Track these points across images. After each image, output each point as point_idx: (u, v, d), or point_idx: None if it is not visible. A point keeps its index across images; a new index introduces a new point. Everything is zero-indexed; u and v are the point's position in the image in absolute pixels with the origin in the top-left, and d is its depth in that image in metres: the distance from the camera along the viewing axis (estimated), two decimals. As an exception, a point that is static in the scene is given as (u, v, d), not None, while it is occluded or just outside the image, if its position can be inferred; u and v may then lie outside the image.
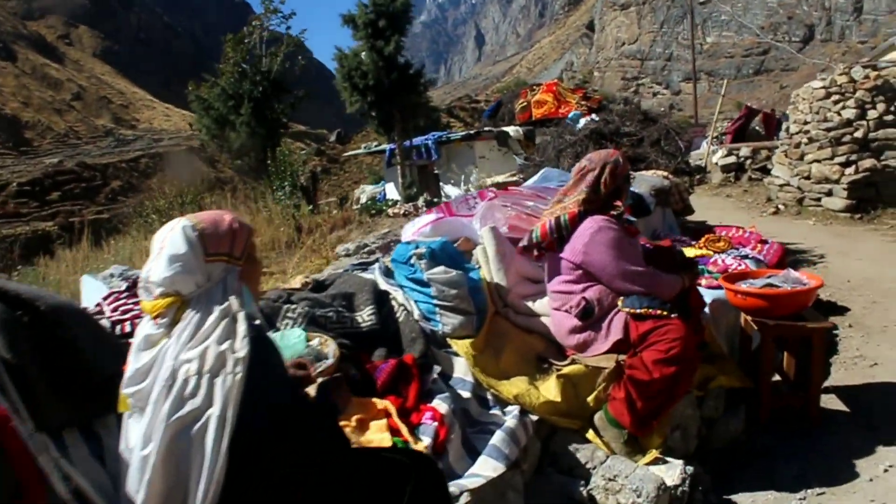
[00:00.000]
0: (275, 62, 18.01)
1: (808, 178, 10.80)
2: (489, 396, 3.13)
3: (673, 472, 2.89)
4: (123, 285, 3.35)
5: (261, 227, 11.62)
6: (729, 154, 15.33)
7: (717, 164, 15.47)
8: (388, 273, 3.65)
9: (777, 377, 4.18)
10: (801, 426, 3.75)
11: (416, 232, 4.19)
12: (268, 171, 16.70)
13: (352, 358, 3.02)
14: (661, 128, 8.08)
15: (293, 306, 3.15)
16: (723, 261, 4.84)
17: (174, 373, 1.69)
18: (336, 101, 18.74)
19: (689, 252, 5.06)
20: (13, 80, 63.76)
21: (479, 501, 2.48)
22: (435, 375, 3.03)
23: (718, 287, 4.12)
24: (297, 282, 3.65)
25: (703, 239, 5.41)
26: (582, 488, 2.90)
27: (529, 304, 3.60)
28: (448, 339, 3.26)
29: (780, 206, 11.28)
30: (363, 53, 16.09)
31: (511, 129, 18.19)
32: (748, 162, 14.78)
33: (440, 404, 2.81)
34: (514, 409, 3.02)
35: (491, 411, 3.08)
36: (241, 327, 1.76)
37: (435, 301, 3.27)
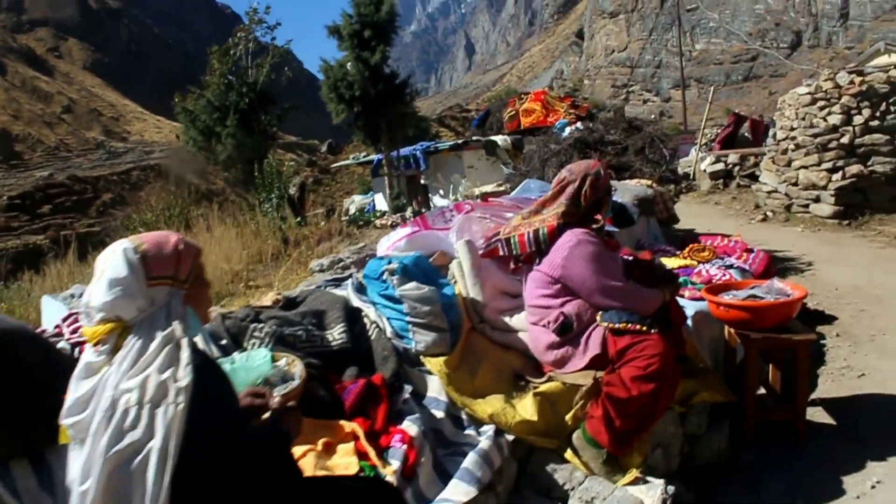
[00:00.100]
0: (261, 73, 17.94)
1: (795, 184, 10.78)
2: (464, 416, 3.04)
3: (653, 493, 2.80)
4: (84, 306, 3.24)
5: (248, 240, 11.52)
6: (717, 161, 15.32)
7: (705, 171, 15.46)
8: (360, 289, 3.56)
9: (763, 390, 4.09)
10: (787, 440, 3.66)
11: (391, 246, 4.10)
12: (255, 183, 16.59)
13: (321, 378, 2.93)
14: (646, 136, 8.03)
15: (261, 325, 3.05)
16: (707, 271, 4.76)
17: (114, 403, 1.60)
18: (328, 111, 18.71)
19: (673, 262, 4.99)
20: (3, 93, 63.71)
21: (449, 528, 2.39)
22: (406, 395, 2.93)
23: (702, 299, 4.04)
24: (268, 299, 3.55)
25: (687, 249, 5.33)
26: (559, 510, 2.81)
27: (507, 319, 3.51)
28: (421, 357, 3.17)
29: (769, 213, 11.24)
30: (349, 64, 16.06)
31: (499, 139, 18.15)
32: (736, 169, 14.77)
33: (410, 426, 2.71)
34: (489, 429, 2.93)
35: (465, 431, 2.99)
36: (185, 354, 1.67)
37: (408, 318, 3.18)
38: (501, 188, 9.17)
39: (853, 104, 10.07)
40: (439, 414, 2.98)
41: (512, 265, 3.49)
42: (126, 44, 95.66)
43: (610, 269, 3.17)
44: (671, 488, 2.84)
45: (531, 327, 3.33)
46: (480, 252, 3.56)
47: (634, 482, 2.88)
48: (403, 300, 3.18)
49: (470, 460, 2.66)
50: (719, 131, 19.04)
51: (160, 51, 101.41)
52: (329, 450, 2.57)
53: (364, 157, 23.51)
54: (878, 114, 9.99)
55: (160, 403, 1.59)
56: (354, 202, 21.75)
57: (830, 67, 11.69)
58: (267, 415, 1.98)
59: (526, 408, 3.03)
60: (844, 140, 10.06)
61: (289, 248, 11.58)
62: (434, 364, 3.11)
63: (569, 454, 3.04)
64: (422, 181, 19.36)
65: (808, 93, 10.64)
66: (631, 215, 5.32)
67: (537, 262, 3.30)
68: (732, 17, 64.42)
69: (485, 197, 6.19)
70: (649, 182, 6.56)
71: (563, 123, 14.79)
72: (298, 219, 14.23)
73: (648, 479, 2.92)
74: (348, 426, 2.67)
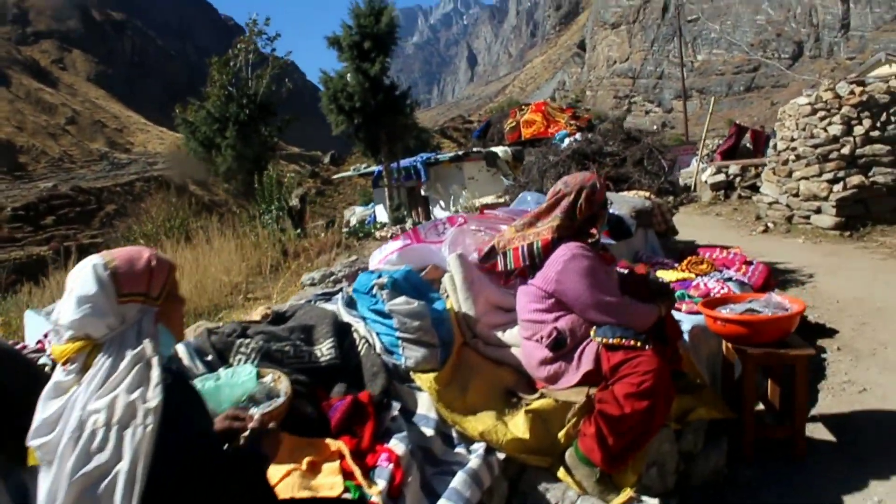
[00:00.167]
0: (261, 84, 17.94)
1: (796, 195, 10.72)
2: (454, 433, 2.98)
3: (648, 513, 2.74)
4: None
5: (247, 252, 11.49)
6: (718, 172, 15.28)
7: (706, 182, 15.41)
8: (350, 303, 3.50)
9: (761, 406, 4.02)
10: (786, 457, 3.59)
11: (383, 260, 4.04)
12: (255, 195, 16.57)
13: (308, 395, 2.87)
14: (644, 147, 7.97)
15: (247, 340, 3.00)
16: (705, 284, 4.69)
17: (82, 424, 1.56)
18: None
19: (671, 275, 4.93)
20: (7, 105, 63.99)
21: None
22: (395, 413, 2.87)
23: (699, 312, 3.97)
24: (257, 313, 3.49)
25: (685, 261, 5.26)
26: (551, 531, 2.74)
27: (499, 334, 3.45)
28: (411, 373, 3.11)
29: (770, 225, 11.18)
30: (348, 75, 16.06)
31: (500, 150, 18.13)
32: (737, 180, 14.72)
33: (397, 445, 2.65)
34: (479, 447, 2.87)
35: (455, 449, 2.92)
36: (155, 374, 1.62)
37: (397, 333, 3.12)
38: (501, 200, 9.13)
39: (854, 114, 10.02)
40: (429, 431, 2.92)
41: (504, 278, 3.44)
42: (130, 55, 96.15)
43: (605, 285, 3.12)
44: (666, 508, 2.77)
45: (524, 342, 3.27)
46: (480, 264, 3.50)
47: (629, 502, 2.82)
48: (393, 315, 3.12)
49: (458, 480, 2.60)
50: (721, 143, 19.00)
51: (163, 62, 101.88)
52: (314, 469, 2.51)
53: (365, 168, 23.51)
54: (878, 124, 9.95)
55: (128, 425, 1.55)
56: (355, 213, 21.73)
57: (832, 78, 11.64)
58: (243, 437, 1.93)
59: (518, 425, 2.97)
60: (845, 151, 10.00)
61: (288, 259, 11.55)
62: (424, 380, 3.05)
63: (561, 473, 2.97)
64: (422, 192, 19.34)
65: (809, 103, 10.60)
66: (628, 227, 5.26)
67: (531, 275, 3.24)
68: (734, 28, 64.60)
69: (481, 209, 6.14)
70: (647, 194, 6.50)
71: (563, 134, 14.75)
72: (298, 230, 14.21)
73: (643, 498, 2.86)
74: (334, 444, 2.61)
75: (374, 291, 3.26)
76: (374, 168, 20.16)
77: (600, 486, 2.88)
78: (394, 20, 16.81)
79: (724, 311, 3.70)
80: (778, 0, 62.88)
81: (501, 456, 2.90)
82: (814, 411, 4.15)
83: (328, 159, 54.09)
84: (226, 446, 1.91)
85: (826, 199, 10.10)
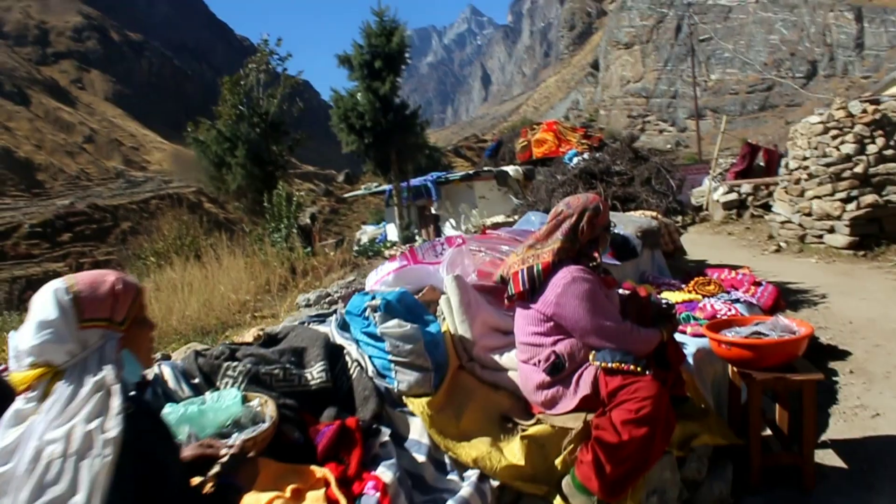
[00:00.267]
0: (272, 104, 18.03)
1: (809, 214, 10.57)
2: (447, 460, 2.88)
3: (646, 545, 2.63)
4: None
5: (256, 270, 11.49)
6: (730, 191, 15.14)
7: (718, 201, 15.27)
8: (343, 325, 3.43)
9: (769, 431, 3.90)
10: (794, 486, 3.46)
11: (379, 281, 3.97)
12: (265, 213, 16.60)
13: (295, 420, 2.80)
14: (653, 166, 7.88)
15: (234, 364, 2.93)
16: (711, 306, 4.58)
17: (38, 454, 1.49)
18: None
19: (677, 296, 4.82)
20: (27, 123, 64.85)
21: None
22: (385, 439, 2.78)
23: (704, 335, 3.86)
24: (249, 335, 3.43)
25: (692, 282, 5.15)
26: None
27: (496, 357, 3.36)
28: (404, 398, 3.02)
29: (782, 244, 11.02)
30: (359, 94, 16.10)
31: (511, 169, 18.11)
32: (750, 199, 14.58)
33: (385, 472, 2.56)
34: (472, 475, 2.78)
35: (448, 476, 2.83)
36: (115, 402, 1.55)
37: (390, 356, 3.03)
38: (511, 219, 9.07)
39: (867, 133, 9.90)
40: (420, 458, 2.83)
41: (506, 302, 3.35)
42: (147, 75, 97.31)
43: (605, 309, 3.03)
44: (665, 540, 2.66)
45: (521, 365, 3.19)
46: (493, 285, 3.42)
47: (627, 532, 2.71)
48: (385, 338, 3.04)
49: (448, 509, 2.50)
50: (734, 162, 18.83)
51: (180, 82, 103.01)
52: (298, 497, 2.42)
53: (377, 187, 23.53)
54: (892, 143, 9.82)
55: (85, 456, 1.48)
56: (366, 232, 21.73)
57: (847, 97, 11.51)
58: (216, 469, 1.85)
59: (513, 451, 2.88)
60: (858, 169, 9.87)
61: (297, 278, 11.53)
62: (416, 405, 2.96)
63: (558, 501, 2.87)
64: (433, 211, 19.31)
65: (821, 122, 10.49)
66: (634, 247, 5.17)
67: (531, 298, 3.16)
68: (747, 48, 64.49)
69: (483, 228, 6.06)
70: (654, 213, 6.40)
71: (573, 154, 14.69)
72: (308, 249, 14.19)
73: (642, 529, 2.74)
74: (319, 472, 2.53)
75: (366, 313, 3.18)
76: (385, 187, 20.17)
77: (598, 515, 2.78)
78: (405, 40, 16.87)
79: (730, 335, 3.59)
80: (791, 20, 62.76)
81: (496, 483, 2.80)
82: (824, 436, 4.03)
83: (342, 178, 54.36)
84: (199, 476, 1.83)
85: (839, 218, 9.95)
